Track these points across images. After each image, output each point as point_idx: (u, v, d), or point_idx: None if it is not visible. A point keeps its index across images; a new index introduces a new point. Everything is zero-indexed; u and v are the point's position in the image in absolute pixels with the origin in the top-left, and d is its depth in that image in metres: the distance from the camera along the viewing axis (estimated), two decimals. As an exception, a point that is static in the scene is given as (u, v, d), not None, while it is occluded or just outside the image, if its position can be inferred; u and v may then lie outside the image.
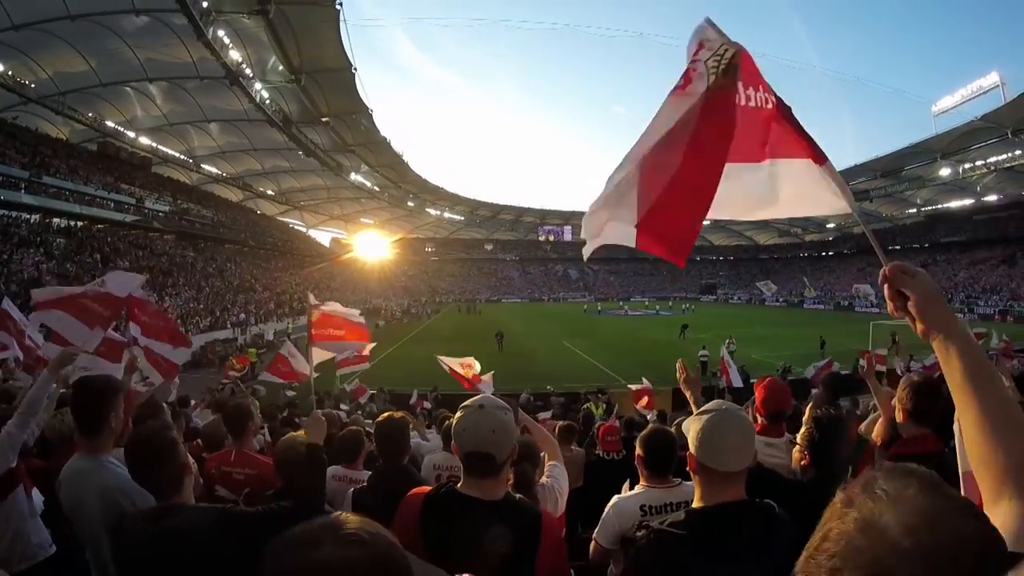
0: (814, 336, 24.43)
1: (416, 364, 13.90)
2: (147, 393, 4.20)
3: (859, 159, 58.75)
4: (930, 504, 0.52)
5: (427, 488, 1.71)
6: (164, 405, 4.54)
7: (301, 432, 2.48)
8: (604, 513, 2.39)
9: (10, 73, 28.59)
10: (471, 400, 1.69)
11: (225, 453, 3.14)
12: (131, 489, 2.00)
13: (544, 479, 2.44)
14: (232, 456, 3.07)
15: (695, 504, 1.57)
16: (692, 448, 1.56)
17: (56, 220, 29.25)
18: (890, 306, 1.07)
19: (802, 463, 2.15)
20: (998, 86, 42.04)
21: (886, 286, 1.06)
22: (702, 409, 1.62)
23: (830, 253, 78.73)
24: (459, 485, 1.64)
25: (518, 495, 1.70)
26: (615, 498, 2.41)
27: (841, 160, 67.21)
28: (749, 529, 1.45)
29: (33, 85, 29.58)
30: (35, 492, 2.66)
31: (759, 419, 2.85)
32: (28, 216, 27.92)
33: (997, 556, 0.51)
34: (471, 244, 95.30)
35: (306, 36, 31.02)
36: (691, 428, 1.60)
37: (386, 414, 2.83)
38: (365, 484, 2.62)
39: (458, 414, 1.67)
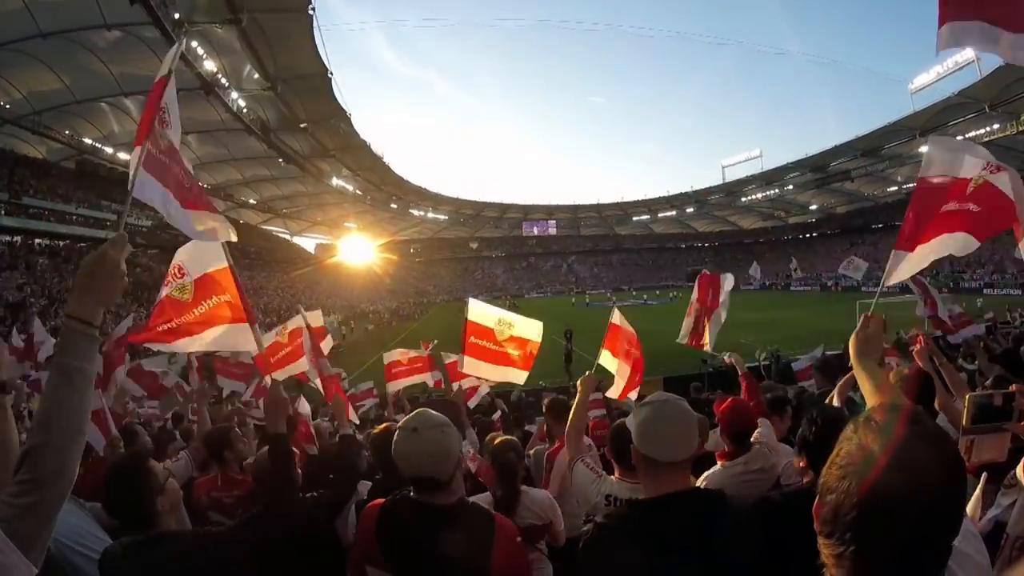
0: (800, 319, 24.05)
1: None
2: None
3: (840, 139, 59.18)
4: (906, 433, 0.75)
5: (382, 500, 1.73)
6: (141, 429, 4.38)
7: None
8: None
9: (-18, 95, 28.14)
10: (406, 421, 1.68)
11: (211, 479, 3.06)
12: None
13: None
14: (219, 481, 3.01)
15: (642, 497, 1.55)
16: (634, 439, 1.55)
17: (38, 240, 29.05)
18: None
19: (799, 465, 1.97)
20: (973, 61, 41.84)
21: None
22: (645, 400, 1.63)
23: (814, 235, 79.35)
24: (412, 492, 1.67)
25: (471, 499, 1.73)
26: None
27: (823, 141, 66.84)
28: (687, 519, 1.40)
29: (8, 106, 29.19)
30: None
31: (727, 446, 2.73)
32: (9, 238, 27.72)
33: (950, 474, 0.74)
34: (456, 243, 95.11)
35: (280, 43, 30.85)
36: (632, 420, 1.60)
37: (341, 436, 2.80)
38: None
39: (395, 436, 1.67)
